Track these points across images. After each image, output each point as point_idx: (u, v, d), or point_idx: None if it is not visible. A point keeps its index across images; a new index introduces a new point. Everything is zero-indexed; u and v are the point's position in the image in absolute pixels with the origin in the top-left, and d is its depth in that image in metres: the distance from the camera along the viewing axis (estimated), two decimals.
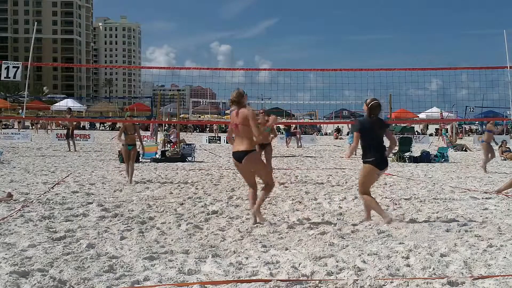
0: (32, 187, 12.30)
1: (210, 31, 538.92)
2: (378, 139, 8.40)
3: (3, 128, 47.70)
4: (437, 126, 49.54)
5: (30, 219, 8.32)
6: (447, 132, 37.62)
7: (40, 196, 10.90)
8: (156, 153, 21.63)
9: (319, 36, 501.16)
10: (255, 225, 8.13)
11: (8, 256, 6.03)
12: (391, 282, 5.21)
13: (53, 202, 10.09)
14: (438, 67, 21.32)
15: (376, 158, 8.29)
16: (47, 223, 8.11)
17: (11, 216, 8.53)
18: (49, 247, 6.55)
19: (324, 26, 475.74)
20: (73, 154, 23.82)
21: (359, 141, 8.45)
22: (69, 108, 32.22)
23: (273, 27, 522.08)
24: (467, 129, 59.65)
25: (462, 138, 45.86)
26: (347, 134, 26.75)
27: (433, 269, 5.62)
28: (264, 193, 8.42)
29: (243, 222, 8.48)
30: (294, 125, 42.64)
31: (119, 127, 17.14)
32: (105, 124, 66.02)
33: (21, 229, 7.61)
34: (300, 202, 10.61)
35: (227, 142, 36.56)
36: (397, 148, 23.30)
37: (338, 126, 56.81)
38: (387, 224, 8.08)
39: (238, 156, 8.20)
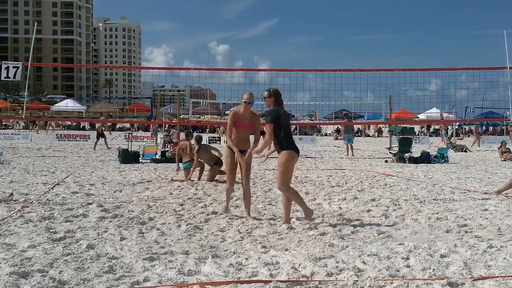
0: (32, 188, 12.30)
1: (209, 31, 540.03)
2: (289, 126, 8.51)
3: (3, 128, 47.70)
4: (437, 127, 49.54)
5: (30, 220, 8.32)
6: (447, 132, 37.60)
7: (40, 196, 10.89)
8: (156, 153, 21.63)
9: (319, 36, 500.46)
10: (255, 226, 8.17)
11: (8, 256, 6.03)
12: (391, 283, 5.21)
13: (53, 203, 10.08)
14: (437, 68, 21.36)
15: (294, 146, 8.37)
16: (47, 224, 8.11)
17: (11, 216, 8.52)
18: (49, 247, 6.55)
19: (324, 26, 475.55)
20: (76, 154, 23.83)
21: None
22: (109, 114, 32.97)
23: (273, 27, 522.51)
24: (467, 130, 59.64)
25: (462, 139, 45.86)
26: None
27: (433, 270, 5.62)
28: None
29: (243, 222, 8.49)
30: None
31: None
32: (105, 125, 66.04)
33: (21, 230, 7.60)
34: None
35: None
36: (397, 148, 23.33)
37: (338, 127, 56.79)
38: (309, 220, 8.28)
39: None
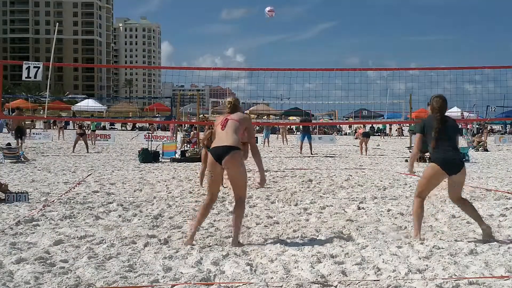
0: (53, 187, 12.41)
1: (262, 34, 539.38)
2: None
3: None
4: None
5: (51, 219, 8.40)
6: (467, 132, 37.30)
7: (61, 195, 10.99)
8: (175, 152, 21.68)
9: (370, 38, 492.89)
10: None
11: (29, 255, 6.08)
12: (410, 282, 5.18)
13: (74, 202, 10.16)
14: (458, 67, 21.18)
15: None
16: (68, 223, 8.19)
17: (32, 215, 8.60)
18: (69, 246, 6.61)
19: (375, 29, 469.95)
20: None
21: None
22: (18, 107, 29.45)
23: (328, 30, 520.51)
24: (488, 129, 59.12)
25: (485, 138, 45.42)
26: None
27: (453, 269, 5.58)
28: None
29: (263, 222, 8.49)
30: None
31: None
32: (126, 124, 66.42)
33: (42, 229, 7.68)
34: (319, 202, 10.58)
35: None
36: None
37: (357, 127, 56.52)
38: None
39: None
